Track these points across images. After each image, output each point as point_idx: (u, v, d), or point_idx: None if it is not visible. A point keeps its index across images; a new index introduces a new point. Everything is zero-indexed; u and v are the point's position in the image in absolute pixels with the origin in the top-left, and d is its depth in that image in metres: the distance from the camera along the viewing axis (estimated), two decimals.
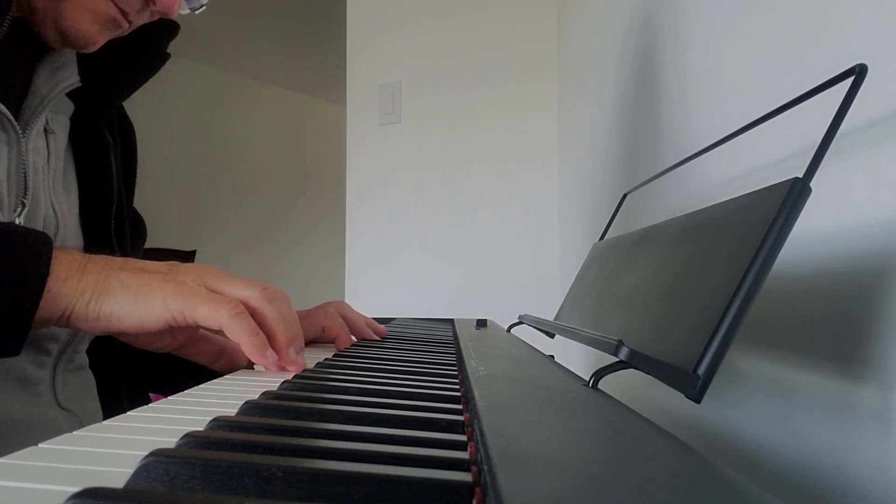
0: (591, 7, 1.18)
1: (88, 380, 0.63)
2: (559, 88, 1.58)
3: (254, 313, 0.45)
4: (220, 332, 0.50)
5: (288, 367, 0.46)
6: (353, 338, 0.69)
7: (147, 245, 0.82)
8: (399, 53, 1.74)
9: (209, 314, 0.43)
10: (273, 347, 0.45)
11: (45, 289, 0.41)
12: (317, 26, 3.34)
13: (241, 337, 0.43)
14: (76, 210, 0.62)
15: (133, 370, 0.70)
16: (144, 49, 0.65)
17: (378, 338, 0.69)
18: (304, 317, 0.68)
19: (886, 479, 0.31)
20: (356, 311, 0.71)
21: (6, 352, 0.41)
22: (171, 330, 0.50)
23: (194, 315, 0.43)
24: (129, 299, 0.43)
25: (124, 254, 0.67)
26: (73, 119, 0.62)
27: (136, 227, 0.76)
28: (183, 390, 0.76)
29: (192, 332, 0.51)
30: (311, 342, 0.69)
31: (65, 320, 0.43)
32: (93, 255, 0.45)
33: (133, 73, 0.65)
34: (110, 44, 0.58)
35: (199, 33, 3.50)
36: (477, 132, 1.64)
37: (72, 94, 0.61)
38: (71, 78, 0.59)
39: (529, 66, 1.62)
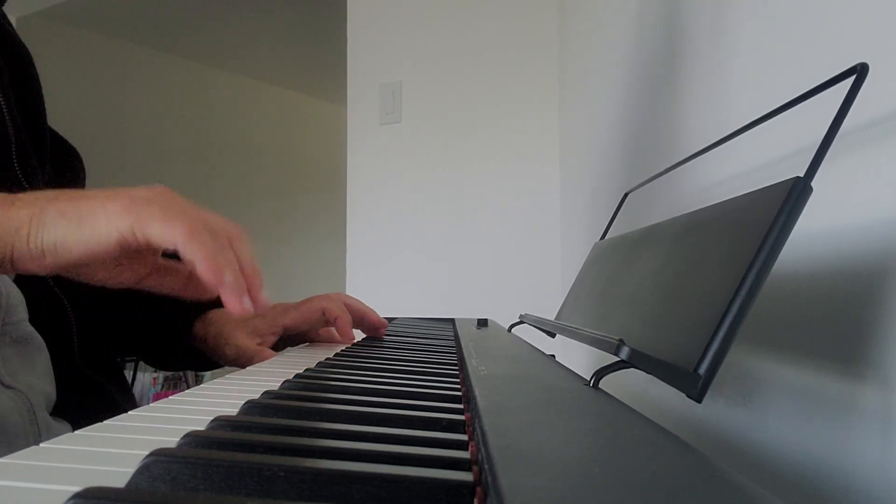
0: (592, 7, 1.18)
1: (36, 352, 0.56)
2: (560, 88, 1.58)
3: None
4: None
5: (240, 308, 0.40)
6: (354, 333, 0.69)
7: None
8: (400, 53, 1.74)
9: (162, 231, 0.38)
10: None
11: None
12: (317, 26, 3.33)
13: (199, 255, 0.38)
14: None
15: (95, 336, 0.65)
16: None
17: (381, 329, 0.69)
18: (302, 302, 0.67)
19: (887, 478, 0.31)
20: (357, 300, 0.70)
21: None
22: (129, 260, 0.45)
23: (145, 232, 0.38)
24: (72, 225, 0.38)
25: (34, 187, 0.59)
26: None
27: (63, 155, 0.68)
28: (149, 352, 0.71)
29: (153, 261, 0.46)
30: (310, 331, 0.68)
31: (8, 264, 0.39)
32: (20, 193, 0.41)
33: None
34: None
35: (200, 33, 3.50)
36: (478, 132, 1.64)
37: None
38: None
39: (530, 66, 1.62)
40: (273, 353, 0.61)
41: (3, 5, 0.60)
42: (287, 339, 0.70)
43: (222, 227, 0.41)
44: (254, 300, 0.41)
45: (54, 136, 0.67)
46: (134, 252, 0.41)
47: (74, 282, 0.46)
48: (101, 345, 0.67)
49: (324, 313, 0.66)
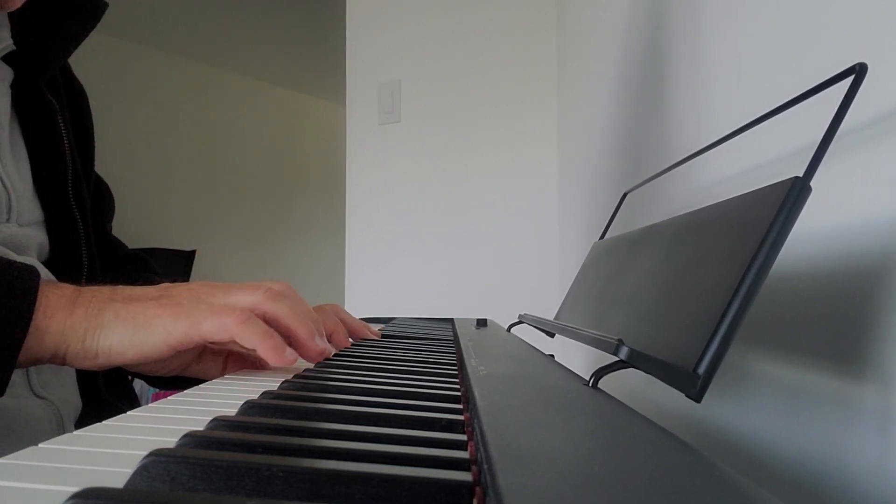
0: (591, 7, 1.18)
1: (64, 366, 0.60)
2: (559, 88, 1.58)
3: (263, 317, 0.43)
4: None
5: (316, 358, 0.45)
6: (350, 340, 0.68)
7: (147, 245, 0.81)
8: (398, 53, 1.74)
9: (216, 327, 0.41)
10: (297, 343, 0.44)
11: (34, 326, 0.39)
12: (316, 26, 3.34)
13: (256, 342, 0.41)
14: (29, 180, 0.59)
15: None
16: (77, 1, 0.61)
17: (375, 338, 0.69)
18: None
19: (886, 477, 0.31)
20: (350, 314, 0.70)
21: None
22: (195, 356, 0.50)
23: (200, 332, 0.41)
24: (127, 331, 0.41)
25: (85, 221, 0.64)
26: (13, 86, 0.59)
27: (100, 193, 0.73)
28: (155, 376, 0.72)
29: (196, 350, 0.49)
30: None
31: (60, 359, 0.41)
32: (83, 287, 0.43)
33: (69, 28, 0.61)
34: (41, 1, 0.55)
35: (198, 33, 3.50)
36: (477, 131, 1.64)
37: (9, 60, 0.58)
38: (3, 41, 0.56)
39: (529, 66, 1.62)
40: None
41: (74, 49, 0.64)
42: None
43: (265, 297, 0.44)
44: (323, 350, 0.46)
45: (95, 176, 0.73)
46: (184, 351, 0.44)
47: None
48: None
49: None
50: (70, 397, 0.59)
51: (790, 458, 0.39)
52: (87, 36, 0.63)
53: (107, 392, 0.65)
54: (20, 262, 0.42)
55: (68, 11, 0.60)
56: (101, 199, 0.73)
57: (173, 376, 0.73)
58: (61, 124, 0.61)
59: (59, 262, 0.61)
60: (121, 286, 0.45)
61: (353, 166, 1.78)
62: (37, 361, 0.41)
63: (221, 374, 0.52)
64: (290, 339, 0.44)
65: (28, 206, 0.57)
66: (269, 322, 0.43)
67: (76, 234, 0.63)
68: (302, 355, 0.45)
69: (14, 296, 0.39)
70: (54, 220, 0.61)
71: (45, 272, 0.57)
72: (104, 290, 0.43)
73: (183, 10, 3.20)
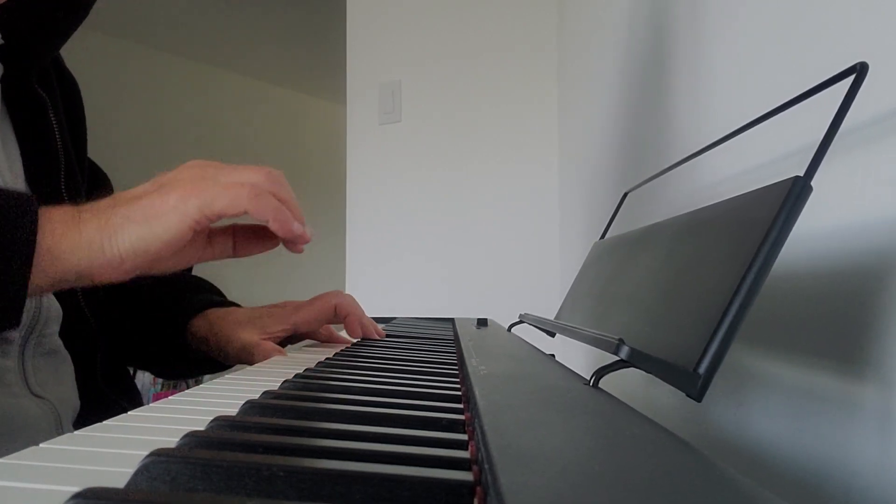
0: (591, 7, 1.18)
1: (62, 364, 0.59)
2: (559, 88, 1.58)
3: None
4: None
5: (302, 242, 0.47)
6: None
7: None
8: (399, 53, 1.74)
9: (230, 202, 0.42)
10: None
11: (45, 249, 0.39)
12: (317, 25, 3.33)
13: (269, 214, 0.43)
14: (21, 176, 0.58)
15: (114, 348, 0.68)
16: None
17: (378, 337, 0.69)
18: (315, 298, 0.67)
19: (887, 477, 0.31)
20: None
21: (5, 323, 0.39)
22: (205, 241, 0.50)
23: (213, 209, 0.42)
24: (143, 226, 0.41)
25: None
26: (3, 81, 0.59)
27: (96, 180, 0.72)
28: (161, 365, 0.73)
29: (205, 234, 0.50)
30: (320, 329, 0.69)
31: (87, 277, 0.41)
32: (82, 205, 0.43)
33: (58, 21, 0.61)
34: None
35: (199, 33, 3.50)
36: (477, 131, 1.64)
37: None
38: None
39: (530, 66, 1.61)
40: (276, 347, 0.61)
41: (64, 42, 0.63)
42: (289, 338, 0.69)
43: (266, 178, 0.45)
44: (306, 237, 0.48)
45: (91, 164, 0.72)
46: (199, 232, 0.45)
47: (101, 298, 0.47)
48: (119, 361, 0.70)
49: (335, 309, 0.66)
50: (68, 396, 0.59)
51: (791, 457, 0.39)
52: (76, 28, 0.62)
53: (107, 388, 0.64)
54: (15, 190, 0.42)
55: (57, 4, 0.59)
56: (97, 189, 0.72)
57: (181, 367, 0.72)
58: (53, 119, 0.61)
59: None
60: (118, 193, 0.44)
61: (353, 166, 1.78)
62: (60, 283, 0.41)
63: (233, 254, 0.53)
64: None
65: None
66: None
67: None
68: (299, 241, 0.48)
69: (14, 221, 0.38)
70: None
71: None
72: (103, 201, 0.43)
73: (183, 11, 3.20)
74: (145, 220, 0.41)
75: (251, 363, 0.59)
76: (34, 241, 0.39)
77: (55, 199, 0.60)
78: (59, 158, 0.61)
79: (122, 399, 0.65)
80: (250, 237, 0.54)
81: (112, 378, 0.66)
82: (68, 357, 0.59)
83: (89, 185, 0.70)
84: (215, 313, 0.68)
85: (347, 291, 1.75)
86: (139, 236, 0.41)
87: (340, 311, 0.66)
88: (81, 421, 0.59)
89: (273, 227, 0.44)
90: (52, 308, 0.56)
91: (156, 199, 0.42)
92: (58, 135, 0.61)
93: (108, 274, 0.41)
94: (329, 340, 0.70)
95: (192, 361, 0.71)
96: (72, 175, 0.63)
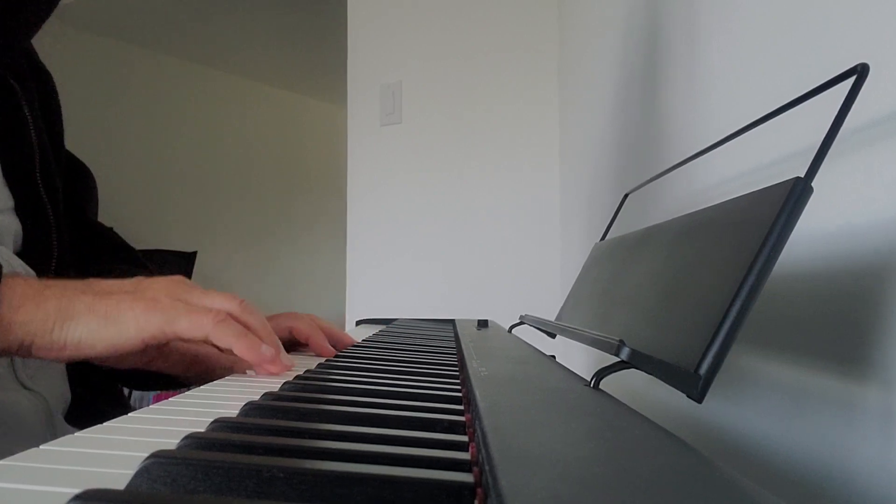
0: (593, 8, 1.18)
1: None
2: (560, 89, 1.58)
3: (236, 321, 0.44)
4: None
5: (278, 371, 0.45)
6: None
7: (148, 247, 0.78)
8: (400, 54, 1.74)
9: (191, 325, 0.41)
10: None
11: None
12: (317, 27, 3.34)
13: (232, 340, 0.42)
14: None
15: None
16: None
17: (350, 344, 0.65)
18: (269, 319, 0.62)
19: (888, 477, 0.31)
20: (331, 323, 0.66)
21: None
22: (156, 353, 0.49)
23: (174, 329, 0.41)
24: (99, 323, 0.41)
25: (55, 207, 0.62)
26: None
27: (76, 175, 0.71)
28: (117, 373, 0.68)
29: (162, 346, 0.48)
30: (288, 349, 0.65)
31: (26, 350, 0.41)
32: (50, 280, 0.43)
33: (27, 13, 0.60)
34: None
35: (200, 35, 3.50)
36: (478, 133, 1.64)
37: None
38: None
39: (531, 67, 1.62)
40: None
41: (34, 33, 0.62)
42: None
43: (237, 306, 0.45)
44: (287, 366, 0.46)
45: (68, 156, 0.70)
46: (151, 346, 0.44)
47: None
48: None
49: (291, 332, 0.62)
50: (59, 388, 0.58)
51: (791, 458, 0.39)
52: (46, 19, 0.61)
53: (99, 383, 0.63)
54: None
55: None
56: (77, 182, 0.70)
57: (150, 377, 0.69)
58: (26, 111, 0.60)
59: (30, 248, 0.60)
60: (94, 280, 0.44)
61: (354, 167, 1.78)
62: (4, 353, 0.41)
63: (186, 373, 0.52)
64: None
65: None
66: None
67: (46, 220, 0.61)
68: (274, 369, 0.45)
69: None
70: (24, 206, 0.60)
71: (19, 264, 0.56)
72: (76, 283, 0.43)
73: (184, 13, 3.21)
74: (104, 318, 0.41)
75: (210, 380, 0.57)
76: None
77: (31, 189, 0.60)
78: (33, 151, 0.60)
79: (95, 396, 0.63)
80: (211, 361, 0.53)
81: (81, 374, 0.64)
82: None
83: (68, 177, 0.68)
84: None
85: (348, 293, 1.75)
86: (91, 331, 0.40)
87: (298, 335, 0.62)
88: (72, 413, 0.58)
89: (238, 351, 0.42)
90: None
91: (124, 301, 0.42)
92: (32, 127, 0.60)
93: (45, 353, 0.41)
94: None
95: (153, 377, 0.67)
96: (47, 168, 0.62)
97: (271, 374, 0.44)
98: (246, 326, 0.44)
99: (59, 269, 0.61)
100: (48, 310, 0.40)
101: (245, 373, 0.48)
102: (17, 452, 0.22)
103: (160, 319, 0.41)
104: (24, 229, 0.60)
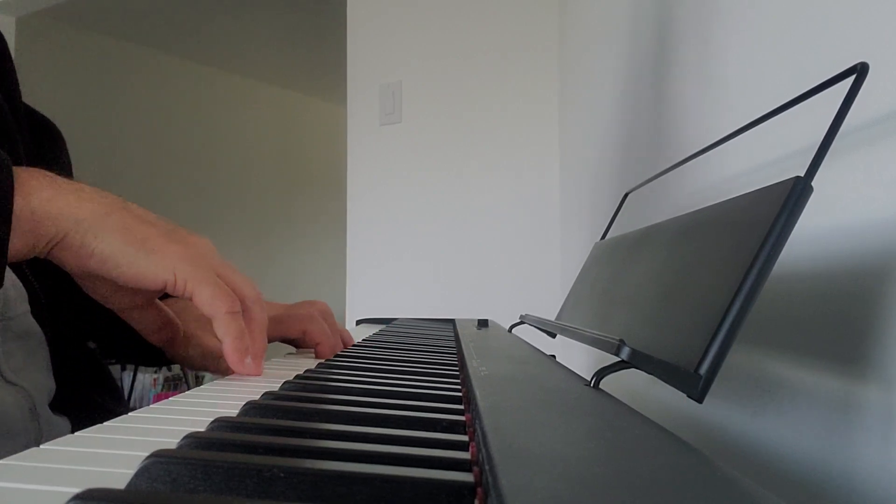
0: (593, 7, 1.18)
1: (38, 347, 0.53)
2: (560, 88, 1.58)
3: (245, 313, 0.43)
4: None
5: (244, 372, 0.44)
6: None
7: None
8: (400, 53, 1.74)
9: (210, 299, 0.40)
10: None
11: (29, 210, 0.36)
12: (317, 26, 3.34)
13: (230, 337, 0.41)
14: None
15: (69, 324, 0.62)
16: None
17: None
18: (286, 315, 0.61)
19: (888, 478, 0.31)
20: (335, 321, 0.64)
21: None
22: (156, 313, 0.47)
23: (195, 291, 0.40)
24: (133, 248, 0.38)
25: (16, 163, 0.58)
26: None
27: (42, 133, 0.65)
28: (103, 339, 0.63)
29: (153, 296, 0.47)
30: (291, 343, 0.63)
31: (49, 248, 0.38)
32: (80, 183, 0.40)
33: None
34: None
35: (200, 34, 3.50)
36: (478, 132, 1.64)
37: None
38: None
39: (531, 66, 1.62)
40: None
41: None
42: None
43: (254, 296, 0.44)
44: (255, 363, 0.44)
45: (31, 112, 0.65)
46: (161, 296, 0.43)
47: (47, 271, 0.45)
48: (78, 338, 0.63)
49: (305, 334, 0.60)
50: (43, 380, 0.55)
51: (792, 458, 0.39)
52: None
53: (87, 377, 0.61)
54: None
55: None
56: (43, 143, 0.65)
57: (134, 351, 0.65)
58: None
59: None
60: (136, 204, 0.42)
61: (354, 167, 1.78)
62: (30, 252, 0.38)
63: (152, 335, 0.50)
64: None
65: None
66: (245, 320, 0.43)
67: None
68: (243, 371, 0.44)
69: None
70: None
71: None
72: (116, 197, 0.41)
73: (184, 12, 3.21)
74: (140, 245, 0.39)
75: (216, 372, 0.56)
76: (10, 203, 0.36)
77: None
78: None
79: (85, 384, 0.61)
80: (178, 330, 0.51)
81: (79, 359, 0.62)
82: (43, 339, 0.54)
83: (33, 135, 0.63)
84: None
85: (348, 292, 1.75)
86: (123, 252, 0.38)
87: (310, 338, 0.59)
88: (57, 400, 0.55)
89: (227, 348, 0.41)
90: (16, 287, 0.52)
91: (163, 236, 0.40)
92: None
93: (67, 256, 0.39)
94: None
95: (145, 350, 0.63)
96: (6, 128, 0.57)
97: (239, 373, 0.43)
98: (250, 322, 0.43)
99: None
100: (85, 211, 0.38)
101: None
102: (1, 448, 0.22)
103: (189, 273, 0.39)
104: None
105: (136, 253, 0.39)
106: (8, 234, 0.35)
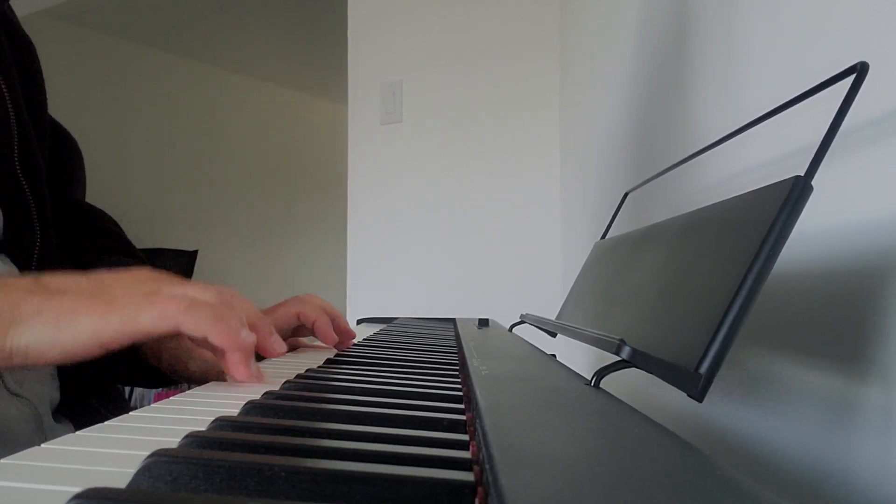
0: (594, 6, 1.18)
1: None
2: (561, 87, 1.58)
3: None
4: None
5: (269, 354, 0.41)
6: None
7: (149, 245, 0.75)
8: (401, 52, 1.74)
9: (156, 318, 0.36)
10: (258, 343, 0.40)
11: None
12: (318, 24, 3.34)
13: (205, 326, 0.36)
14: None
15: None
16: None
17: (347, 339, 0.63)
18: (275, 307, 0.61)
19: (888, 477, 0.31)
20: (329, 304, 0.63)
21: None
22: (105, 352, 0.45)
23: (138, 326, 0.36)
24: (49, 328, 0.36)
25: (37, 193, 0.56)
26: None
27: (60, 144, 0.65)
28: (101, 367, 0.64)
29: (153, 345, 0.45)
30: (288, 335, 0.62)
31: None
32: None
33: None
34: None
35: (201, 32, 3.50)
36: (479, 131, 1.64)
37: None
38: None
39: (532, 65, 1.61)
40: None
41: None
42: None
43: (213, 295, 0.39)
44: (268, 354, 0.42)
45: (52, 123, 0.65)
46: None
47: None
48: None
49: (299, 318, 0.60)
50: (48, 391, 0.55)
51: (792, 457, 0.39)
52: None
53: (90, 388, 0.61)
54: None
55: None
56: (61, 156, 0.65)
57: (132, 376, 0.64)
58: (5, 89, 0.55)
59: (11, 238, 0.56)
60: (46, 276, 0.39)
61: (354, 166, 1.78)
62: None
63: (180, 372, 0.48)
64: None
65: None
66: None
67: (26, 208, 0.56)
68: (262, 351, 0.41)
69: None
70: (2, 194, 0.55)
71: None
72: (22, 282, 0.38)
73: (184, 10, 3.21)
74: (56, 322, 0.36)
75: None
76: None
77: (9, 178, 0.55)
78: (11, 128, 0.55)
79: (96, 395, 0.61)
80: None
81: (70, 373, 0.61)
82: None
83: (52, 149, 0.63)
84: None
85: (349, 291, 1.75)
86: (40, 338, 0.36)
87: (305, 319, 0.59)
88: (61, 408, 0.56)
89: (213, 338, 0.37)
90: None
91: (80, 301, 0.37)
92: (10, 103, 0.56)
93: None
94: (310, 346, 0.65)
95: (142, 374, 0.62)
96: (28, 150, 0.57)
97: (246, 379, 0.39)
98: (223, 313, 0.39)
99: (43, 260, 0.57)
100: None
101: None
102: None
103: (118, 319, 0.36)
104: (4, 218, 0.55)
105: (55, 334, 0.36)
106: None
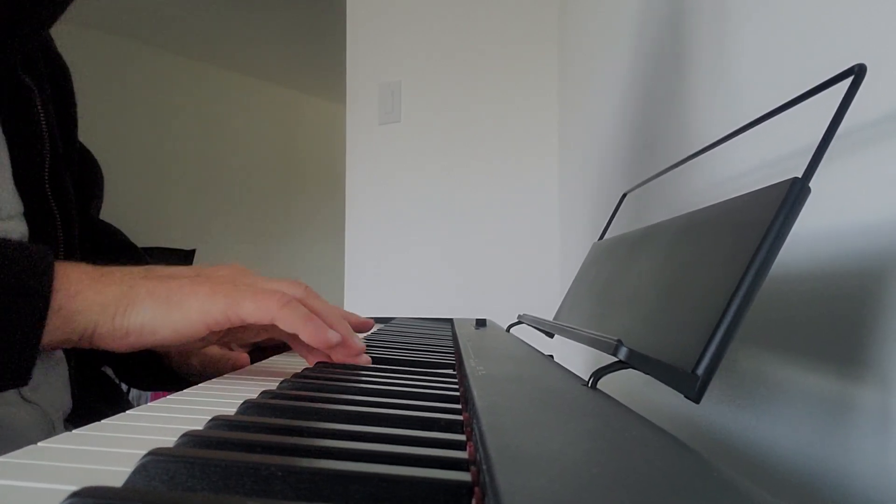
0: (593, 6, 1.18)
1: (57, 366, 0.55)
2: (560, 88, 1.58)
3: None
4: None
5: (351, 356, 0.44)
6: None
7: (146, 244, 0.75)
8: (399, 52, 1.74)
9: (257, 308, 0.40)
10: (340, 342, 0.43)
11: (56, 307, 0.38)
12: (316, 24, 3.34)
13: (298, 324, 0.40)
14: (9, 172, 0.54)
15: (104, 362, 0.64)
16: None
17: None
18: None
19: (886, 479, 0.31)
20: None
21: (14, 382, 0.37)
22: (219, 337, 0.47)
23: (239, 313, 0.40)
24: (162, 308, 0.39)
25: (65, 213, 0.58)
26: None
27: (86, 167, 0.67)
28: (122, 368, 0.66)
29: (216, 337, 0.47)
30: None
31: (87, 339, 0.39)
32: (107, 267, 0.42)
33: (42, 5, 0.57)
34: None
35: (199, 32, 3.50)
36: (477, 132, 1.64)
37: None
38: None
39: (530, 66, 1.62)
40: (244, 356, 0.58)
41: (50, 27, 0.60)
42: (265, 351, 0.65)
43: (302, 291, 0.44)
44: (360, 350, 0.45)
45: (82, 149, 0.68)
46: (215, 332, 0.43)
47: None
48: (94, 363, 0.65)
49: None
50: (60, 398, 0.56)
51: (789, 458, 0.39)
52: (62, 13, 0.58)
53: (101, 397, 0.62)
54: (33, 245, 0.40)
55: None
56: (85, 177, 0.67)
57: (151, 377, 0.66)
58: (39, 107, 0.57)
59: None
60: (155, 265, 0.43)
61: (352, 166, 1.78)
62: (66, 344, 0.40)
63: (200, 372, 0.51)
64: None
65: (8, 198, 0.53)
66: None
67: (53, 225, 0.58)
68: (344, 354, 0.44)
69: (29, 278, 0.37)
70: (32, 211, 0.57)
71: None
72: (136, 269, 0.42)
73: (183, 9, 3.20)
74: (167, 303, 0.40)
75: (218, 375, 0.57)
76: (48, 302, 0.37)
77: (38, 195, 0.57)
78: (44, 148, 0.57)
79: (94, 398, 0.61)
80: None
81: (105, 387, 0.64)
82: (62, 356, 0.56)
83: (79, 171, 0.66)
84: None
85: (346, 292, 1.75)
86: (153, 316, 0.39)
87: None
88: (72, 416, 0.57)
89: (305, 336, 0.41)
90: None
91: (187, 285, 0.41)
92: (44, 124, 0.57)
93: (107, 342, 0.40)
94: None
95: (161, 374, 0.64)
96: (57, 165, 0.59)
97: (346, 360, 0.43)
98: (311, 309, 0.42)
99: None
100: (108, 296, 0.39)
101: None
102: None
103: (224, 303, 0.40)
104: (30, 235, 0.57)
105: (167, 313, 0.39)
106: (41, 333, 0.37)
